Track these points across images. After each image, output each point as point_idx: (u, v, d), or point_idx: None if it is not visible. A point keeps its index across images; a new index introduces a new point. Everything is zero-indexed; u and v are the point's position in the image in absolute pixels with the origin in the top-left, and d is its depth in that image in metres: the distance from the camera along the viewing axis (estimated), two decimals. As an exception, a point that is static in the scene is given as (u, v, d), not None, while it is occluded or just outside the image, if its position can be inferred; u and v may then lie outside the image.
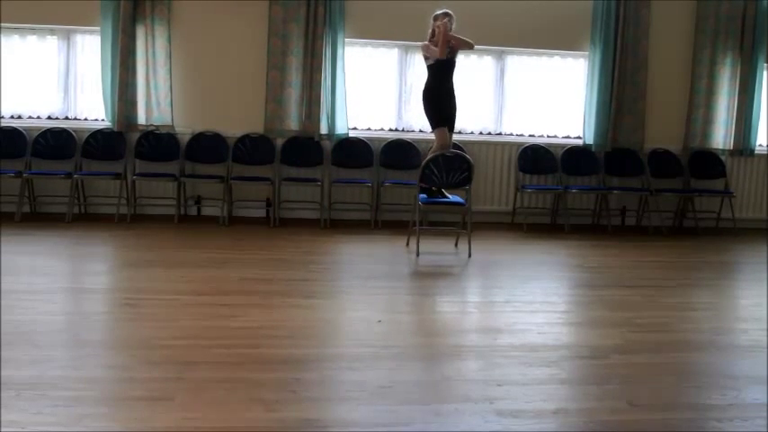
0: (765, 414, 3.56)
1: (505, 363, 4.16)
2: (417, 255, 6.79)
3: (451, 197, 7.15)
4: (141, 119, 8.18)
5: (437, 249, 7.17)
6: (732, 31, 8.89)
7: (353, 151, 8.49)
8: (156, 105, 8.17)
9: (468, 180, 6.95)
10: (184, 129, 8.29)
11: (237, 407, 3.39)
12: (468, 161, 6.93)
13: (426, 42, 7.15)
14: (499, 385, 3.80)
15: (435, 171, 6.81)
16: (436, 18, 7.12)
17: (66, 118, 8.33)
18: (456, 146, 8.53)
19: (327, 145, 8.44)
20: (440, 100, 7.15)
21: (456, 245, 7.30)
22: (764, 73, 9.03)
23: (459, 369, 4.06)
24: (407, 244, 7.11)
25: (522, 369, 4.06)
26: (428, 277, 6.38)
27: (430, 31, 7.16)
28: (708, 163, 9.06)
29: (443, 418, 3.39)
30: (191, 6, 8.14)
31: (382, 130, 8.75)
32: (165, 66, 8.12)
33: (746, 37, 8.88)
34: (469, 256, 6.90)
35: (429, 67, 7.17)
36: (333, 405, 3.53)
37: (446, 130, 7.17)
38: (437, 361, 4.17)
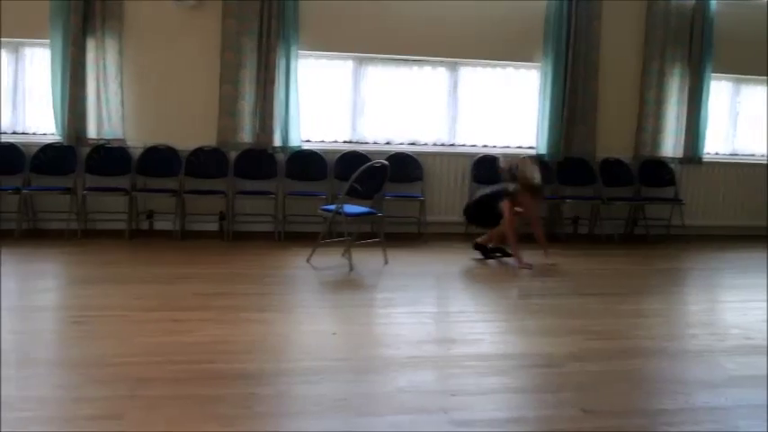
0: (713, 418, 3.63)
1: (460, 373, 4.18)
2: (351, 269, 6.77)
3: (360, 208, 7.15)
4: (92, 132, 8.07)
5: (367, 261, 7.18)
6: (680, 42, 9.07)
7: (307, 164, 8.47)
8: (107, 119, 8.07)
9: (380, 187, 7.08)
10: (136, 142, 8.20)
11: (192, 424, 3.35)
12: (386, 169, 7.00)
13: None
14: (454, 395, 3.81)
15: (360, 185, 6.82)
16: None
17: (15, 132, 8.18)
18: (408, 157, 8.61)
19: (281, 157, 8.41)
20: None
21: (385, 258, 7.32)
22: (712, 83, 9.22)
23: (413, 380, 4.05)
24: (308, 260, 7.05)
25: (476, 379, 4.08)
26: (382, 290, 6.36)
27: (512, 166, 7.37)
28: (658, 171, 9.22)
29: (399, 430, 3.39)
30: (142, 20, 8.07)
31: (336, 142, 8.74)
32: (116, 79, 8.03)
33: (694, 48, 9.07)
34: (386, 263, 7.02)
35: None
36: (289, 419, 3.51)
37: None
38: (392, 372, 4.16)
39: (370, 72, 8.73)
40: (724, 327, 5.42)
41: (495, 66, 8.97)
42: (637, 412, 3.72)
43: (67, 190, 7.91)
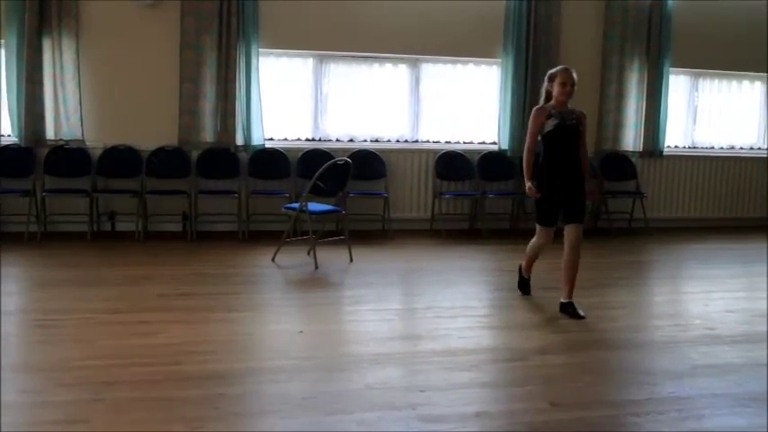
0: (678, 407, 3.69)
1: (427, 369, 4.19)
2: (316, 267, 6.76)
3: (324, 206, 7.16)
4: (50, 133, 7.93)
5: (331, 259, 7.17)
6: (639, 37, 9.19)
7: (270, 162, 8.42)
8: (66, 119, 7.94)
9: (344, 185, 7.10)
10: (95, 143, 8.08)
11: (159, 426, 3.32)
12: (349, 166, 7.01)
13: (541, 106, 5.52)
14: (422, 391, 3.82)
15: (324, 183, 6.81)
16: (553, 78, 5.42)
17: (-30, 134, 8.04)
18: (371, 154, 8.60)
19: (244, 156, 8.35)
20: (547, 183, 5.48)
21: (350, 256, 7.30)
22: (670, 77, 9.34)
23: (381, 377, 4.06)
24: (273, 259, 7.00)
25: (443, 374, 4.09)
26: (348, 287, 6.36)
27: (544, 94, 5.54)
28: (619, 165, 9.32)
29: (367, 427, 3.38)
30: (99, 19, 7.94)
31: (299, 140, 8.71)
32: (73, 79, 7.90)
33: (652, 43, 9.18)
34: (351, 260, 7.03)
35: (542, 138, 5.51)
36: (257, 419, 3.49)
37: (550, 230, 5.67)
38: (360, 370, 4.16)
39: (331, 70, 8.71)
40: (687, 317, 5.51)
41: (455, 62, 8.99)
42: (604, 403, 3.76)
43: (26, 192, 7.77)
